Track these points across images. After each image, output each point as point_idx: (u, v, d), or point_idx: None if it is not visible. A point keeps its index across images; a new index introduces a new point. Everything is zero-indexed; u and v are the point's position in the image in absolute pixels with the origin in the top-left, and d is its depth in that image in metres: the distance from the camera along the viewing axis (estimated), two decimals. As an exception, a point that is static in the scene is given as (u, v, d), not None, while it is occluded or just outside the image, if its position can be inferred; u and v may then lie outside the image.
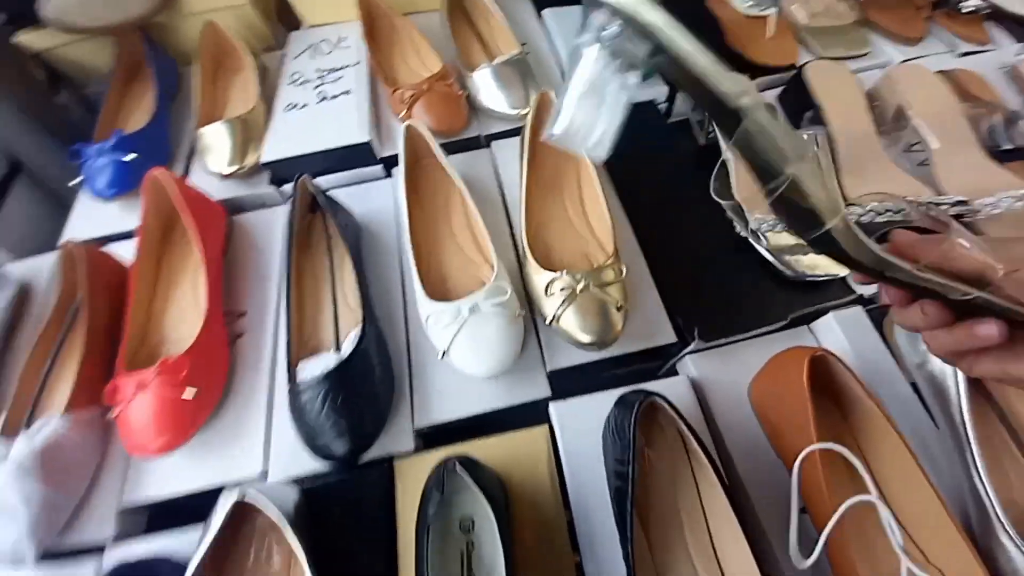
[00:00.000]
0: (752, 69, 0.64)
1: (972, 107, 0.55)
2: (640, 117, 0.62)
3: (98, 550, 0.41)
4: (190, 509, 0.39)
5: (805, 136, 0.55)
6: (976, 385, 0.40)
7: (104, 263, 0.50)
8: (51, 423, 0.42)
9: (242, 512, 0.37)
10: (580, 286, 0.43)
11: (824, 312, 0.47)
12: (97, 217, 0.58)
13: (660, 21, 0.17)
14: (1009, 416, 0.39)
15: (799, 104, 0.58)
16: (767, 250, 0.48)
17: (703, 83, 0.17)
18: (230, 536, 0.37)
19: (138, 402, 0.42)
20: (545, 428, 0.43)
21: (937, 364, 0.39)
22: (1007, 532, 0.34)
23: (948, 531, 0.35)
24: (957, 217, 0.48)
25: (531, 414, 0.45)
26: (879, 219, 0.48)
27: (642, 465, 0.40)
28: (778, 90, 0.63)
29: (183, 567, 0.33)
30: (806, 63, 0.59)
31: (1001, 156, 0.54)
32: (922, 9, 0.69)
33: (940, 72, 0.60)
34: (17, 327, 0.53)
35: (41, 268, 0.56)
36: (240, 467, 0.43)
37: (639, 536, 0.37)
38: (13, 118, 0.57)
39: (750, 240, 0.49)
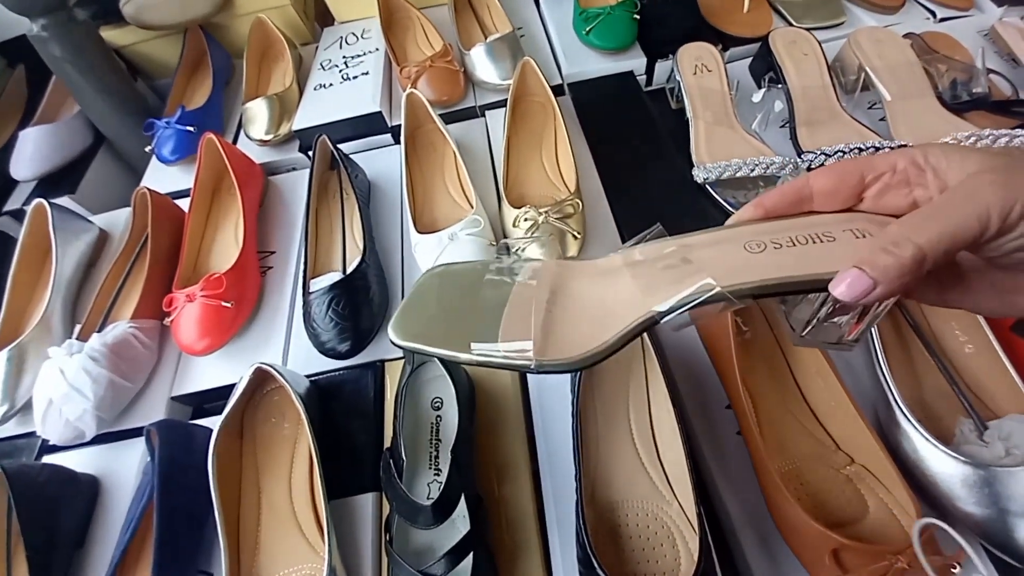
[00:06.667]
0: (728, 41, 0.69)
1: (930, 59, 0.58)
2: (621, 85, 0.68)
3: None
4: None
5: (763, 95, 0.60)
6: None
7: (167, 207, 0.62)
8: (119, 326, 0.53)
9: (262, 383, 0.47)
10: (542, 218, 0.50)
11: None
12: (163, 179, 0.71)
13: None
14: (920, 325, 0.43)
15: (766, 69, 0.63)
16: (718, 194, 0.54)
17: None
18: (250, 405, 0.47)
19: (187, 310, 0.53)
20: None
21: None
22: (904, 415, 0.38)
23: (855, 421, 0.40)
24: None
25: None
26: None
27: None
28: (750, 59, 0.68)
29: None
30: (774, 30, 0.64)
31: (960, 107, 0.57)
32: (903, -21, 0.72)
33: (909, 34, 0.63)
34: (96, 264, 0.65)
35: (119, 219, 0.69)
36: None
37: (586, 405, 0.43)
38: (100, 100, 0.71)
39: (706, 188, 0.55)
